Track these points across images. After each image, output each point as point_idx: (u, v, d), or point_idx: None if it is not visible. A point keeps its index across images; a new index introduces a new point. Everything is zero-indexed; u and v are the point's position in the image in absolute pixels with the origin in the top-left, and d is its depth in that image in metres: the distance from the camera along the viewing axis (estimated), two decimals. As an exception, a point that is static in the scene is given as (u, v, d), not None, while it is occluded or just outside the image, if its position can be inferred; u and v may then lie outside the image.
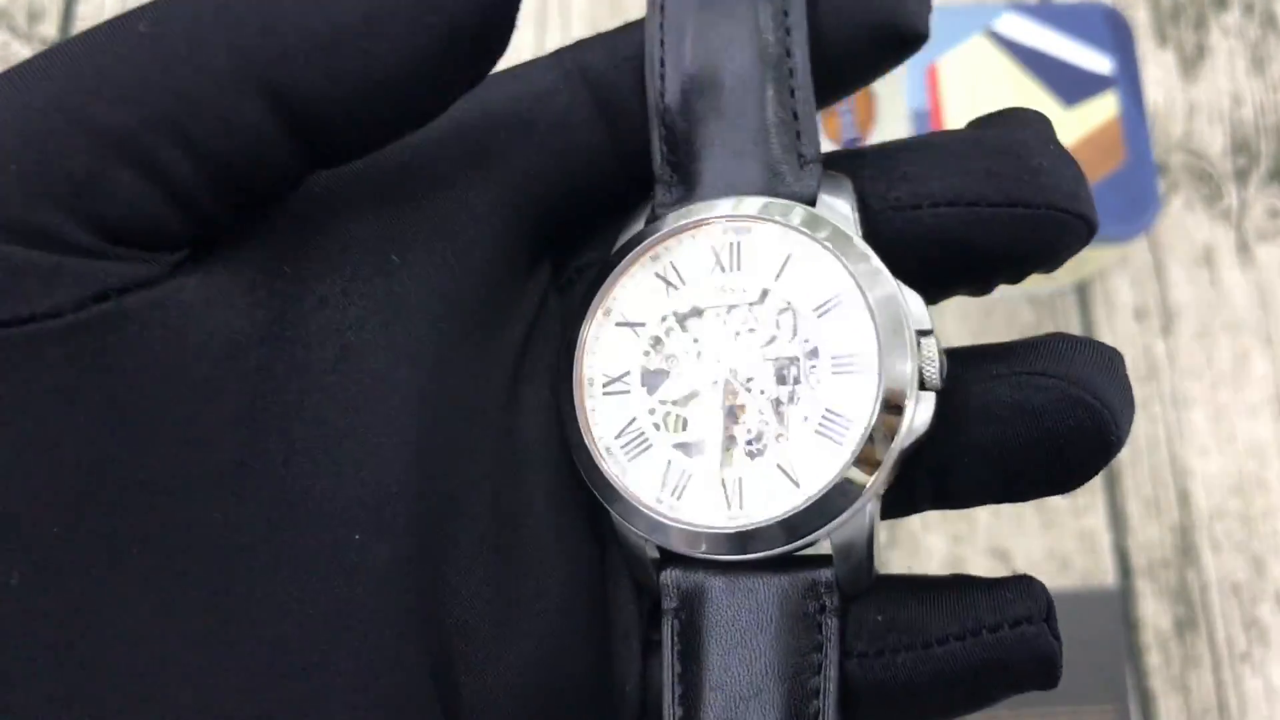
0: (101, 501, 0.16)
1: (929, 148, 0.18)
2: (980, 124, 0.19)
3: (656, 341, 0.18)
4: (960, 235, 0.17)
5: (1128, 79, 0.53)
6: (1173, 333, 0.60)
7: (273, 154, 0.17)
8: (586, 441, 0.18)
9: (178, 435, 0.16)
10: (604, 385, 0.18)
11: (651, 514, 0.18)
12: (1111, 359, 0.18)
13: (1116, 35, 0.54)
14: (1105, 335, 0.59)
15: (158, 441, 0.16)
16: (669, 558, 0.18)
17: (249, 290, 0.17)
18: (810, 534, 0.17)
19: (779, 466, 0.17)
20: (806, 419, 0.17)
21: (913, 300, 0.17)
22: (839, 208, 0.17)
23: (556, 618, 0.18)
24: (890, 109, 0.53)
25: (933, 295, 0.18)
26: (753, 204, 0.17)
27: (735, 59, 0.18)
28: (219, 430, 0.16)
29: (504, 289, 0.18)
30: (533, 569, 0.18)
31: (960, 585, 0.19)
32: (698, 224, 0.18)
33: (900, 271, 0.18)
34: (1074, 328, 0.60)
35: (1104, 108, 0.52)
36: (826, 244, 0.17)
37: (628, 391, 0.18)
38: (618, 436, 0.18)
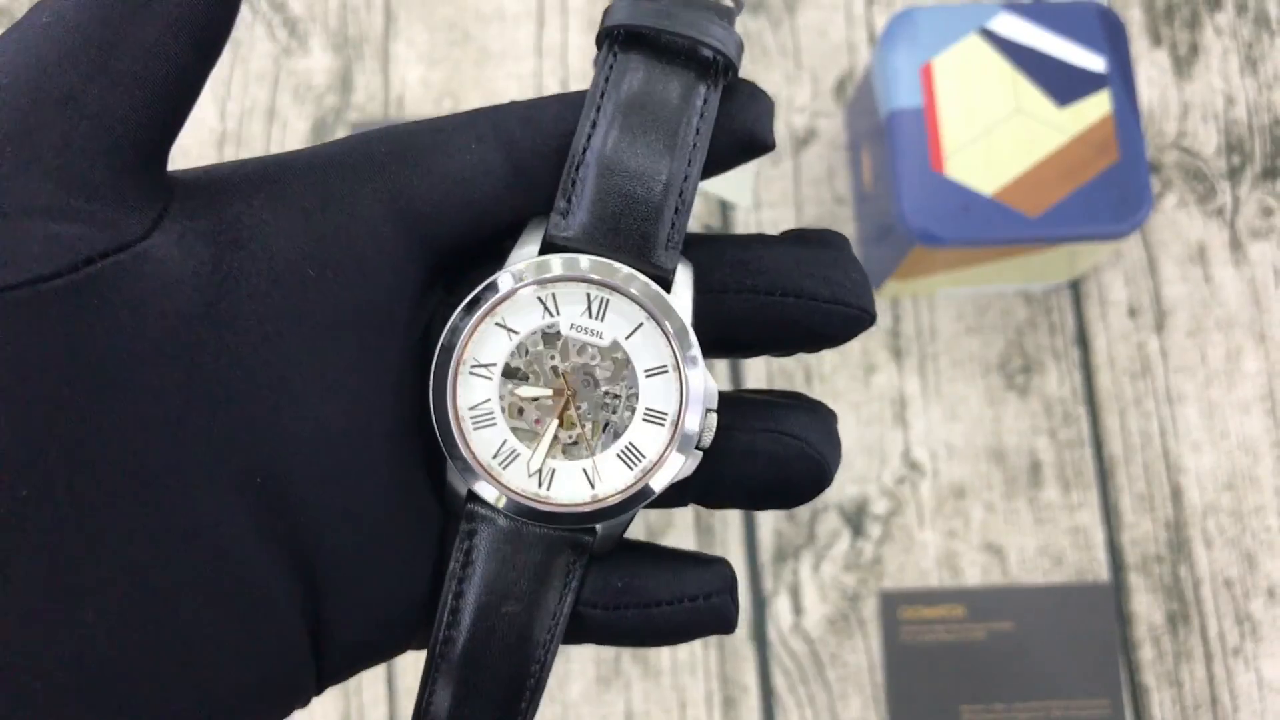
0: (67, 440, 0.19)
1: (777, 249, 0.24)
2: (800, 237, 0.24)
3: (523, 347, 0.23)
4: (791, 317, 0.23)
5: (1121, 78, 0.53)
6: (1166, 329, 0.60)
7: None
8: (448, 406, 0.23)
9: (134, 387, 0.20)
10: (472, 368, 0.23)
11: (480, 471, 0.23)
12: (831, 422, 0.25)
13: (1110, 34, 0.54)
14: (1099, 332, 0.60)
15: (119, 391, 0.20)
16: (475, 500, 0.23)
17: (194, 274, 0.21)
18: (591, 524, 0.23)
19: (584, 470, 0.23)
20: (615, 444, 0.23)
21: (711, 383, 0.23)
22: (684, 293, 0.23)
23: (409, 556, 0.23)
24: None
25: (745, 355, 0.25)
26: (627, 274, 0.22)
27: (649, 152, 0.22)
28: (164, 386, 0.20)
29: (402, 306, 0.23)
30: (397, 523, 0.23)
31: (679, 561, 0.24)
32: (582, 278, 0.22)
33: (728, 338, 0.24)
34: (1068, 324, 0.60)
35: (1098, 106, 0.53)
36: (667, 327, 0.23)
37: (490, 378, 0.23)
38: (472, 409, 0.23)
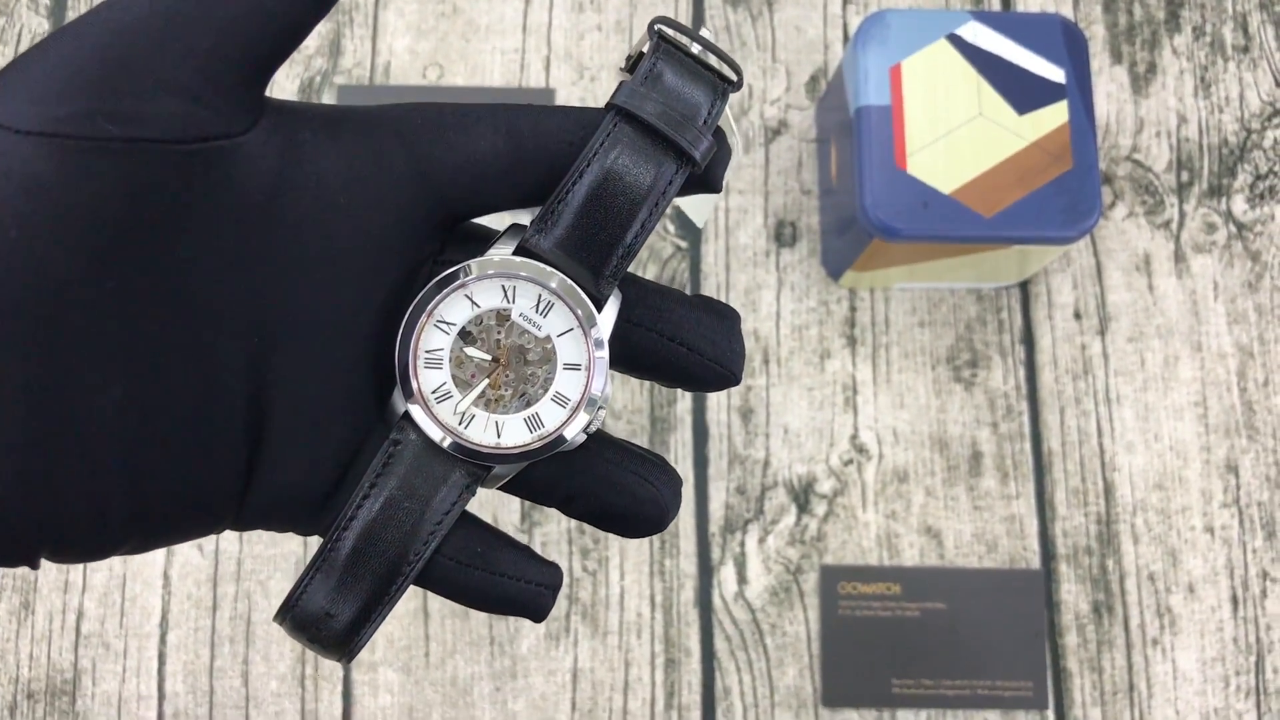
0: (144, 259, 0.25)
1: (686, 308, 0.30)
2: (707, 304, 0.30)
3: (480, 318, 0.29)
4: (680, 361, 0.29)
5: (1080, 90, 0.56)
6: (1108, 333, 0.63)
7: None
8: (411, 344, 0.28)
9: (205, 233, 0.26)
10: (436, 322, 0.28)
11: (419, 399, 0.28)
12: (679, 484, 0.30)
13: (1072, 48, 0.56)
14: (1044, 332, 0.63)
15: (193, 234, 0.26)
16: (407, 420, 0.28)
17: (266, 171, 0.27)
18: (488, 464, 0.28)
19: (495, 423, 0.28)
20: (524, 411, 0.29)
21: (609, 388, 0.29)
22: (610, 315, 0.29)
23: (342, 439, 0.28)
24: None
25: (640, 377, 0.30)
26: (572, 289, 0.28)
27: (621, 205, 0.28)
28: (222, 241, 0.26)
29: (404, 247, 0.28)
30: (343, 399, 0.28)
31: (525, 552, 0.30)
32: (539, 282, 0.28)
33: (630, 361, 0.30)
34: (1015, 323, 0.63)
35: (1055, 115, 0.55)
36: (594, 338, 0.28)
37: (448, 334, 0.28)
38: (428, 352, 0.28)
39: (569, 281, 0.28)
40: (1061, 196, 0.54)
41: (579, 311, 0.28)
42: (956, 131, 0.55)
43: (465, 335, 0.29)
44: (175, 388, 0.26)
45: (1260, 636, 0.60)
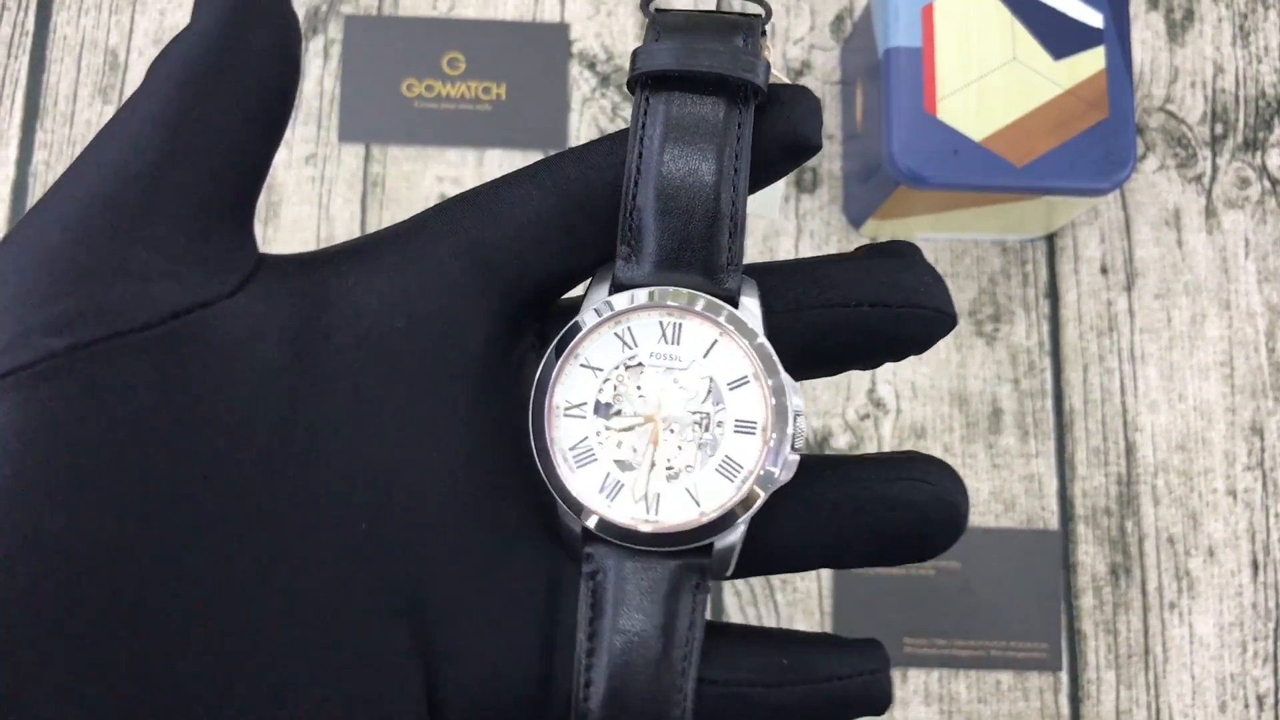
0: (167, 483, 0.21)
1: (848, 263, 0.25)
2: (870, 251, 0.25)
3: (609, 383, 0.24)
4: (874, 324, 0.24)
5: (1118, 35, 0.54)
6: (1135, 289, 0.61)
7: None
8: (550, 449, 0.24)
9: (230, 432, 0.21)
10: (565, 409, 0.24)
11: (590, 508, 0.23)
12: (955, 472, 0.25)
13: (1110, -9, 0.54)
14: (1069, 287, 0.61)
15: (215, 435, 0.21)
16: (591, 538, 0.24)
17: (281, 330, 0.22)
18: (702, 540, 0.23)
19: (687, 490, 0.24)
20: (712, 460, 0.24)
21: (793, 388, 0.24)
22: (752, 308, 0.24)
23: (527, 619, 0.24)
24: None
25: (828, 372, 0.25)
26: (694, 297, 0.24)
27: (695, 181, 0.23)
28: (254, 429, 0.22)
29: (492, 354, 0.24)
30: (506, 574, 0.24)
31: (831, 641, 0.25)
32: (653, 306, 0.24)
33: (810, 354, 0.25)
34: (1040, 277, 0.61)
35: (1092, 61, 0.53)
36: (742, 339, 0.24)
37: (584, 417, 0.24)
38: (572, 448, 0.24)
39: (683, 290, 0.23)
40: (1096, 146, 0.52)
41: (717, 316, 0.23)
42: (989, 76, 0.53)
43: (603, 409, 0.24)
44: (295, 643, 0.21)
45: (1280, 602, 0.59)
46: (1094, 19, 0.54)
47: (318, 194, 0.61)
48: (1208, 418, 0.60)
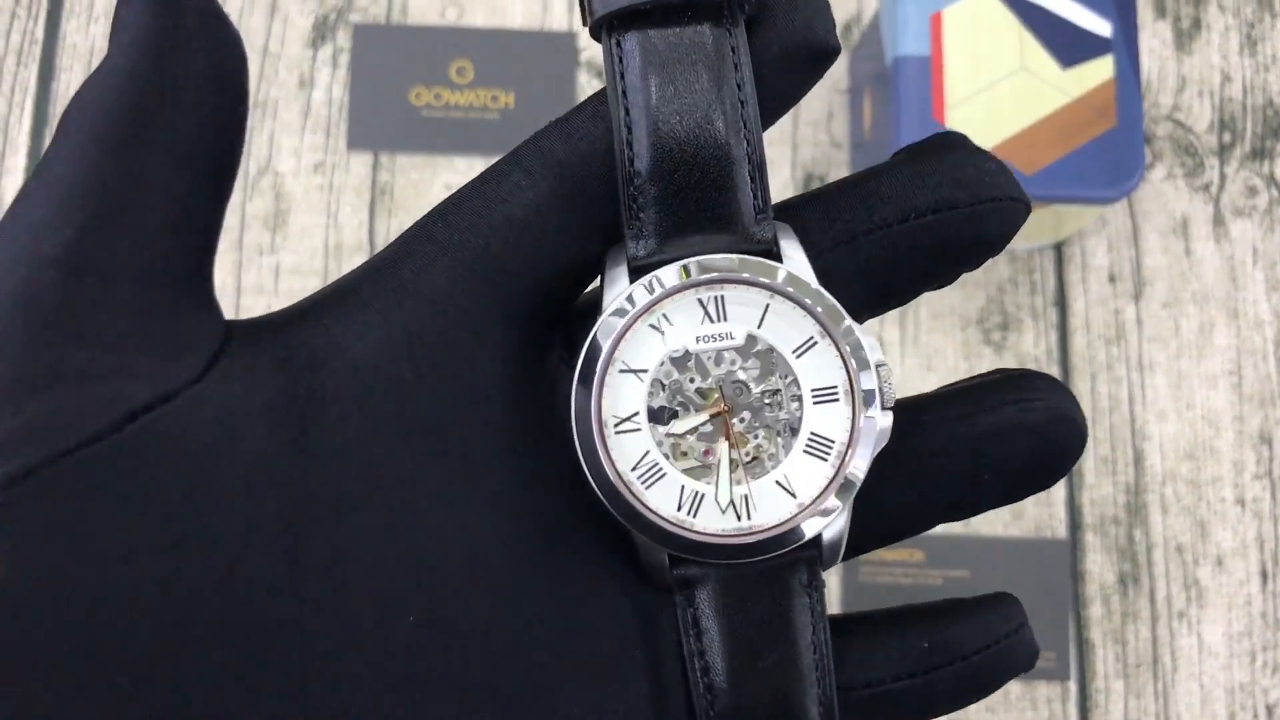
0: (156, 636, 0.17)
1: (894, 173, 0.21)
2: (913, 152, 0.22)
3: (657, 384, 0.21)
4: (939, 231, 0.21)
5: (1126, 44, 0.54)
6: (1143, 298, 0.61)
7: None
8: (609, 475, 0.21)
9: (225, 550, 0.18)
10: (615, 426, 0.21)
11: (671, 530, 0.21)
12: (1057, 381, 0.22)
13: (1118, 1, 0.54)
14: (1077, 295, 0.61)
15: (206, 558, 0.18)
16: (680, 562, 0.21)
17: (267, 408, 0.19)
18: (807, 536, 0.21)
19: (778, 483, 0.21)
20: (796, 441, 0.21)
21: (866, 336, 0.21)
22: (796, 255, 0.21)
23: (628, 672, 0.21)
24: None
25: (897, 303, 0.22)
26: (726, 261, 0.20)
27: (696, 124, 0.20)
28: (262, 540, 0.18)
29: (518, 379, 0.21)
30: (590, 630, 0.21)
31: (963, 607, 0.22)
32: (685, 286, 0.20)
33: (875, 289, 0.22)
34: (1048, 285, 0.61)
35: (1100, 70, 0.53)
36: (796, 295, 0.20)
37: (639, 429, 0.21)
38: (634, 468, 0.21)
39: (714, 256, 0.20)
40: (1103, 155, 0.53)
41: (761, 277, 0.20)
42: (998, 85, 0.53)
43: (658, 416, 0.21)
44: None
45: (1289, 612, 0.58)
46: (1102, 28, 0.54)
47: (326, 202, 0.61)
48: (1216, 426, 0.60)
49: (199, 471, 0.18)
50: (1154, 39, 0.64)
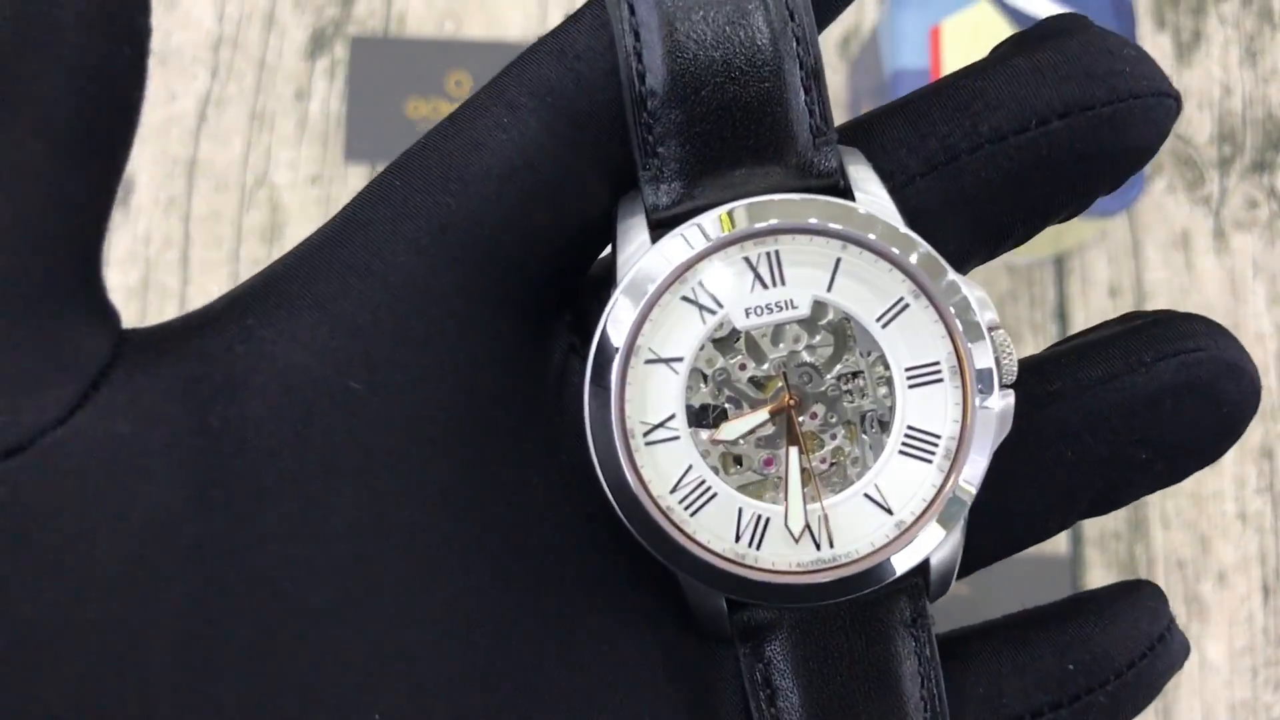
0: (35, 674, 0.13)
1: (1002, 70, 0.16)
2: (1020, 42, 0.17)
3: (697, 374, 0.16)
4: (1069, 148, 0.15)
5: (1126, 57, 0.54)
6: (1144, 312, 0.61)
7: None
8: (642, 501, 0.15)
9: (118, 659, 0.13)
10: (646, 435, 0.15)
11: (729, 569, 0.16)
12: (1230, 333, 0.16)
13: (1117, 12, 0.54)
14: (1078, 308, 0.61)
15: (97, 669, 0.13)
16: (740, 606, 0.16)
17: (166, 450, 0.13)
18: (910, 565, 0.16)
19: (867, 495, 0.16)
20: (889, 439, 0.16)
21: (974, 290, 0.16)
22: (871, 187, 0.15)
23: None
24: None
25: (1014, 243, 0.17)
26: (781, 204, 0.15)
27: (729, 15, 0.15)
28: (155, 648, 0.13)
29: (512, 381, 0.16)
30: (631, 703, 0.16)
31: (1105, 608, 0.18)
32: (727, 241, 0.15)
33: (981, 224, 0.16)
34: (1049, 299, 0.61)
35: (1100, 84, 0.53)
36: (878, 244, 0.15)
37: (676, 437, 0.15)
38: (674, 490, 0.16)
39: (764, 199, 0.15)
40: (1105, 169, 0.52)
41: (828, 223, 0.15)
42: (997, 98, 0.53)
43: (699, 417, 0.16)
44: None
45: (1291, 628, 0.58)
46: (1102, 41, 0.54)
47: (324, 215, 0.60)
48: (1217, 441, 0.60)
49: (62, 550, 0.13)
50: (1154, 51, 0.63)
